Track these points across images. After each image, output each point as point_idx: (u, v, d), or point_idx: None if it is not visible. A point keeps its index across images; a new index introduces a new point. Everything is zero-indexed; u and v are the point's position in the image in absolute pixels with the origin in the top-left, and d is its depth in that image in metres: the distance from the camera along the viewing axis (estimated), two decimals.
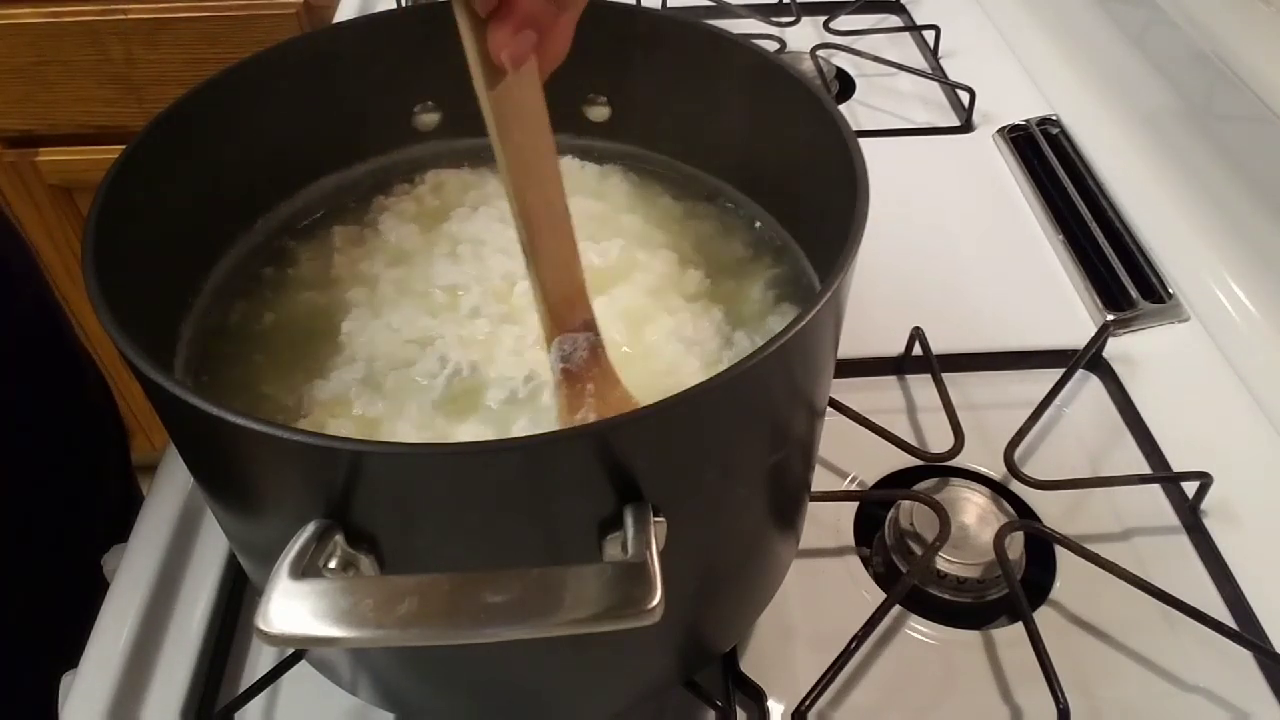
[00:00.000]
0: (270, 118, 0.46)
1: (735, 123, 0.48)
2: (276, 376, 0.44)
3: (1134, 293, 0.67)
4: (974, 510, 0.53)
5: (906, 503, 0.53)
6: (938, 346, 0.62)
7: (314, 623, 0.27)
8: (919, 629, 0.51)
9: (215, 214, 0.47)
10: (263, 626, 0.27)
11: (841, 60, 0.89)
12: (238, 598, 0.52)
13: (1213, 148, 0.68)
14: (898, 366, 0.63)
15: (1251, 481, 0.56)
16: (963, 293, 0.68)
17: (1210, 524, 0.54)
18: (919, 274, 0.69)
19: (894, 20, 0.97)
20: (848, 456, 0.57)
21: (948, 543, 0.51)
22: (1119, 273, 0.68)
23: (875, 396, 0.61)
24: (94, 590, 0.53)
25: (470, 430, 0.41)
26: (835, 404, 0.57)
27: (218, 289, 0.47)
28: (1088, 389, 0.63)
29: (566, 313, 0.39)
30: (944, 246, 0.72)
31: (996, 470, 0.57)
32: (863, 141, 0.38)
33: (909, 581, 0.50)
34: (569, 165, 0.53)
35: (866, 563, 0.53)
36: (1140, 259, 0.69)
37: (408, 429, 0.41)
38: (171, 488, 0.55)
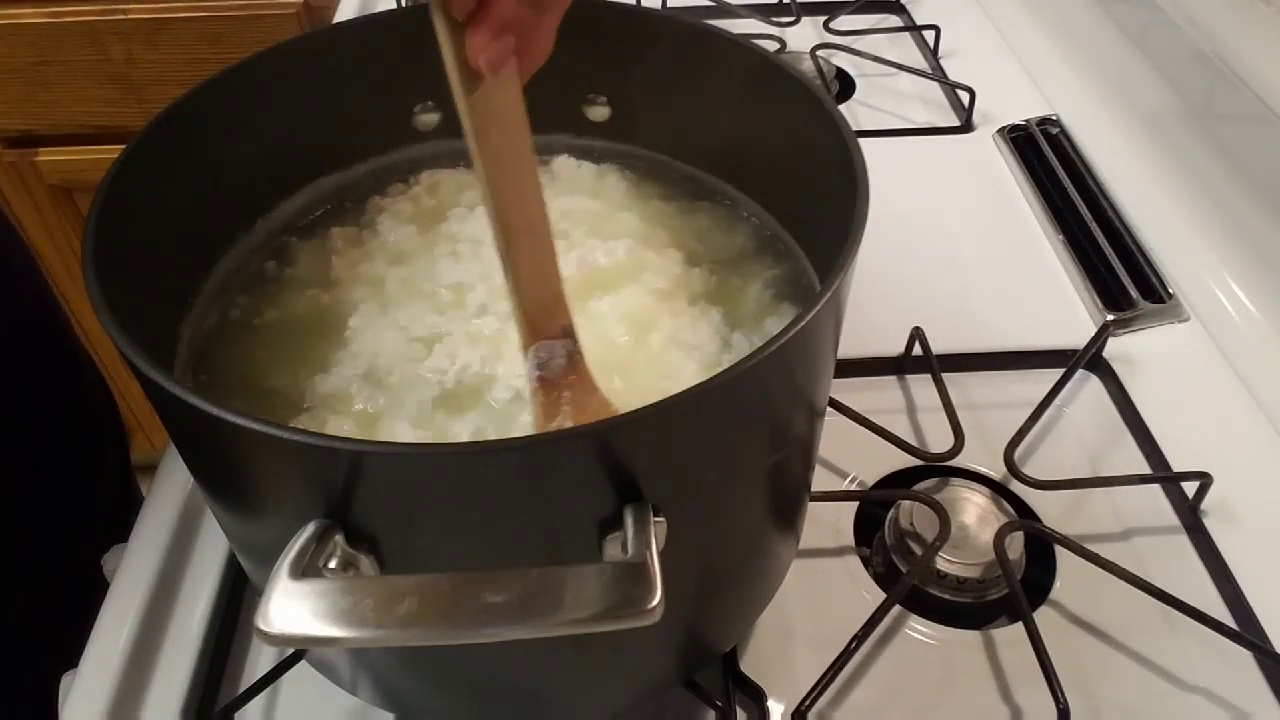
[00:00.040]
0: (270, 118, 0.46)
1: (735, 123, 0.48)
2: (278, 373, 0.45)
3: (1134, 293, 0.67)
4: (974, 510, 0.53)
5: (906, 503, 0.53)
6: (938, 346, 0.62)
7: (314, 623, 0.27)
8: (919, 629, 0.51)
9: (215, 214, 0.47)
10: (263, 626, 0.27)
11: (841, 60, 0.89)
12: (238, 598, 0.52)
13: (1213, 148, 0.68)
14: (898, 366, 0.63)
15: (1251, 481, 0.56)
16: (963, 293, 0.68)
17: (1210, 524, 0.54)
18: (919, 274, 0.69)
19: (894, 20, 0.97)
20: (848, 456, 0.57)
21: (948, 543, 0.51)
22: (1119, 273, 0.68)
23: (875, 396, 0.61)
24: (94, 590, 0.53)
25: (471, 424, 0.41)
26: (835, 404, 0.57)
27: (218, 289, 0.47)
28: (1088, 389, 0.63)
29: (544, 320, 0.38)
30: (944, 246, 0.72)
31: (996, 470, 0.57)
32: (863, 141, 0.38)
33: (909, 581, 0.50)
34: (566, 164, 0.53)
35: (866, 563, 0.53)
36: (1140, 259, 0.69)
37: (407, 426, 0.41)
38: (171, 488, 0.55)
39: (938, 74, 0.89)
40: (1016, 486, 0.56)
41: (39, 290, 0.76)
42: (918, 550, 0.51)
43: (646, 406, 0.29)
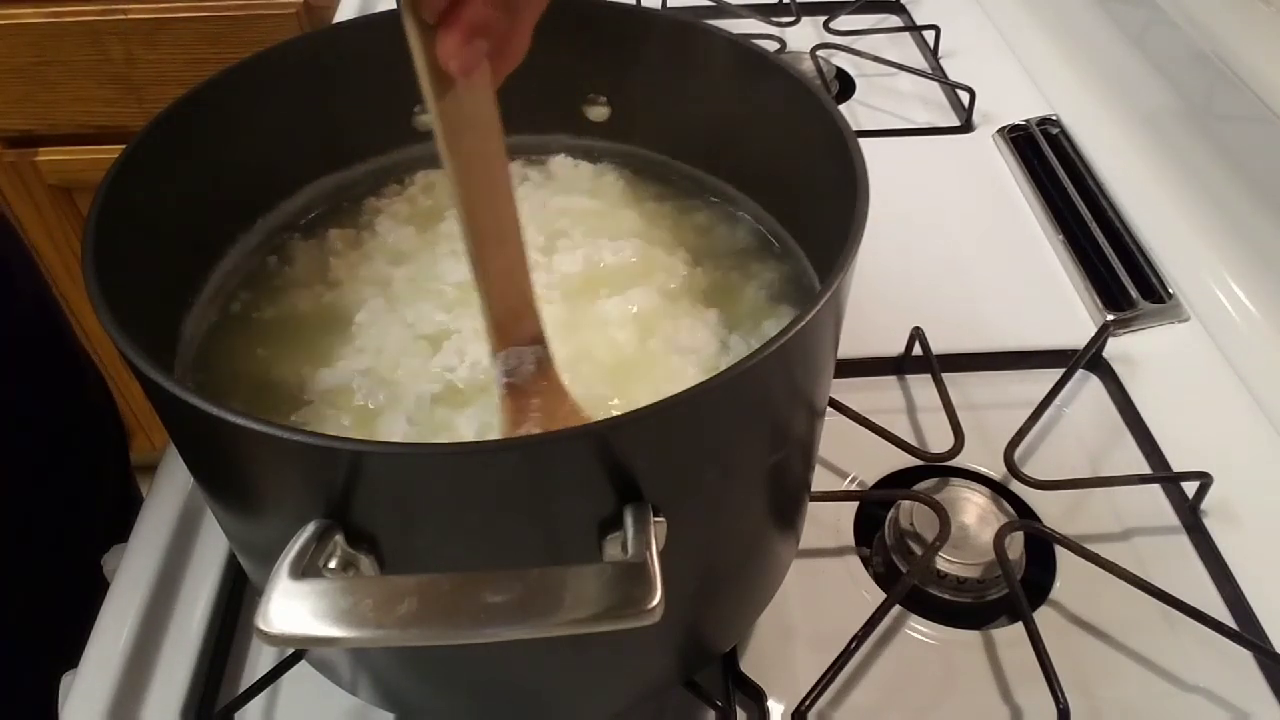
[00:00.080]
0: (270, 117, 0.46)
1: (735, 123, 0.48)
2: (281, 366, 0.45)
3: (1134, 293, 0.67)
4: (974, 510, 0.53)
5: (906, 503, 0.53)
6: (938, 346, 0.62)
7: (314, 623, 0.27)
8: (919, 629, 0.51)
9: (215, 214, 0.47)
10: (263, 626, 0.27)
11: (841, 60, 0.89)
12: (238, 598, 0.52)
13: (1213, 148, 0.68)
14: (898, 366, 0.63)
15: (1251, 481, 0.56)
16: (963, 293, 0.68)
17: (1210, 524, 0.54)
18: (919, 274, 0.69)
19: (894, 20, 0.97)
20: (848, 456, 0.57)
21: (948, 543, 0.51)
22: (1119, 273, 0.68)
23: (875, 396, 0.61)
24: (94, 590, 0.53)
25: (474, 420, 0.41)
26: (835, 404, 0.57)
27: (218, 289, 0.47)
28: (1088, 389, 0.63)
29: (513, 326, 0.38)
30: (944, 246, 0.72)
31: (996, 470, 0.57)
32: (863, 141, 0.38)
33: (909, 581, 0.50)
34: (563, 164, 0.53)
35: (866, 563, 0.53)
36: (1140, 259, 0.69)
37: (404, 423, 0.41)
38: (171, 488, 0.55)
39: (938, 74, 0.89)
40: (1016, 486, 0.56)
41: (39, 290, 0.77)
42: (918, 550, 0.51)
43: (646, 406, 0.29)
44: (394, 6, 0.34)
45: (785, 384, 0.35)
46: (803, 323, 0.31)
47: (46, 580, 0.72)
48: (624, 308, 0.46)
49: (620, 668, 0.41)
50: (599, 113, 0.52)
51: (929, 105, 0.86)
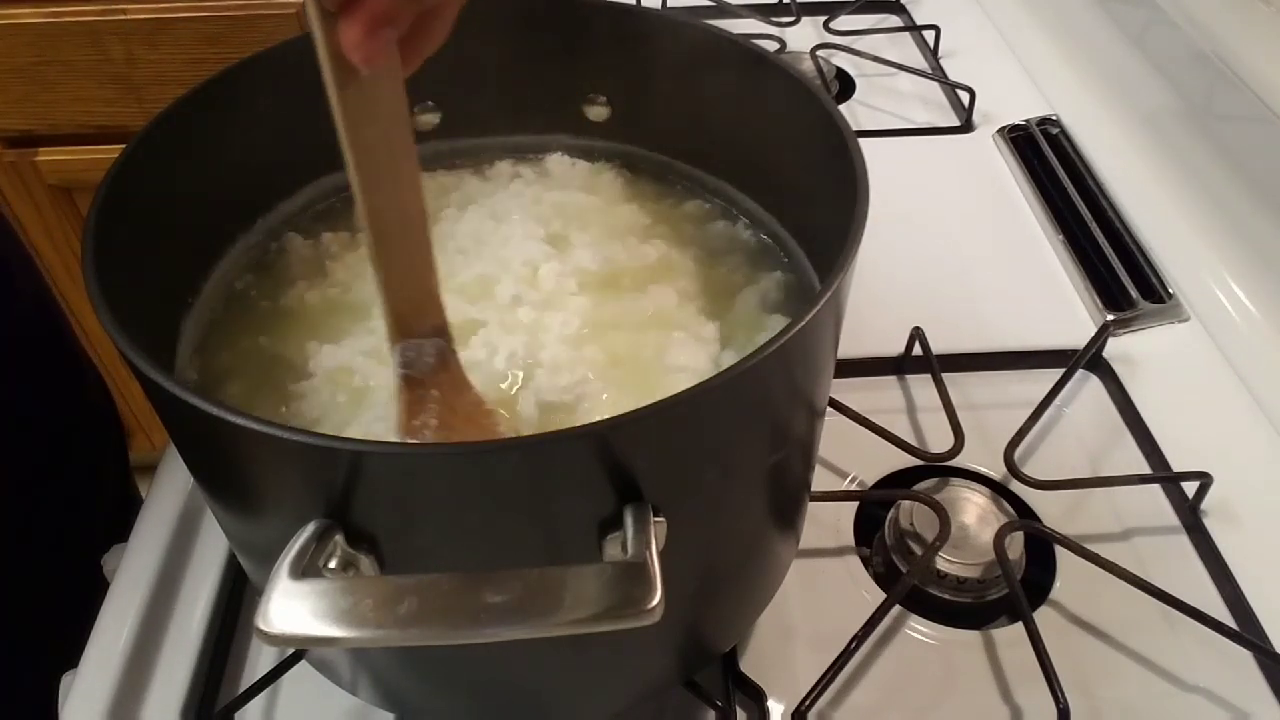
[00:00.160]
0: (270, 117, 0.46)
1: (734, 123, 0.48)
2: (285, 344, 0.45)
3: (1134, 293, 0.67)
4: (974, 510, 0.53)
5: (906, 503, 0.53)
6: (938, 346, 0.62)
7: (314, 623, 0.27)
8: (919, 629, 0.51)
9: (215, 214, 0.47)
10: (263, 626, 0.27)
11: (841, 60, 0.89)
12: (238, 598, 0.52)
13: (1213, 148, 0.68)
14: (898, 366, 0.63)
15: (1251, 481, 0.56)
16: (963, 293, 0.68)
17: (1210, 524, 0.54)
18: (919, 274, 0.69)
19: (894, 20, 0.97)
20: (848, 456, 0.57)
21: (948, 543, 0.51)
22: (1119, 273, 0.68)
23: (875, 396, 0.61)
24: (94, 590, 0.53)
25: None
26: (835, 404, 0.57)
27: (218, 289, 0.47)
28: (1088, 389, 0.63)
29: (412, 318, 0.38)
30: (944, 246, 0.72)
31: (996, 470, 0.57)
32: (863, 141, 0.38)
33: (909, 581, 0.50)
34: (560, 162, 0.53)
35: (866, 563, 0.53)
36: (1140, 259, 0.69)
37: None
38: (171, 488, 0.55)
39: (938, 74, 0.89)
40: (1016, 486, 0.56)
41: (39, 290, 0.76)
42: (918, 550, 0.51)
43: (646, 406, 0.29)
44: None
45: (785, 384, 0.35)
46: (803, 323, 0.31)
47: (46, 580, 0.71)
48: (620, 307, 0.46)
49: (620, 668, 0.41)
50: (598, 113, 0.52)
51: (929, 105, 0.86)
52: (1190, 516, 0.55)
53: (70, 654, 0.49)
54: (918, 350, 0.62)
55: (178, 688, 0.47)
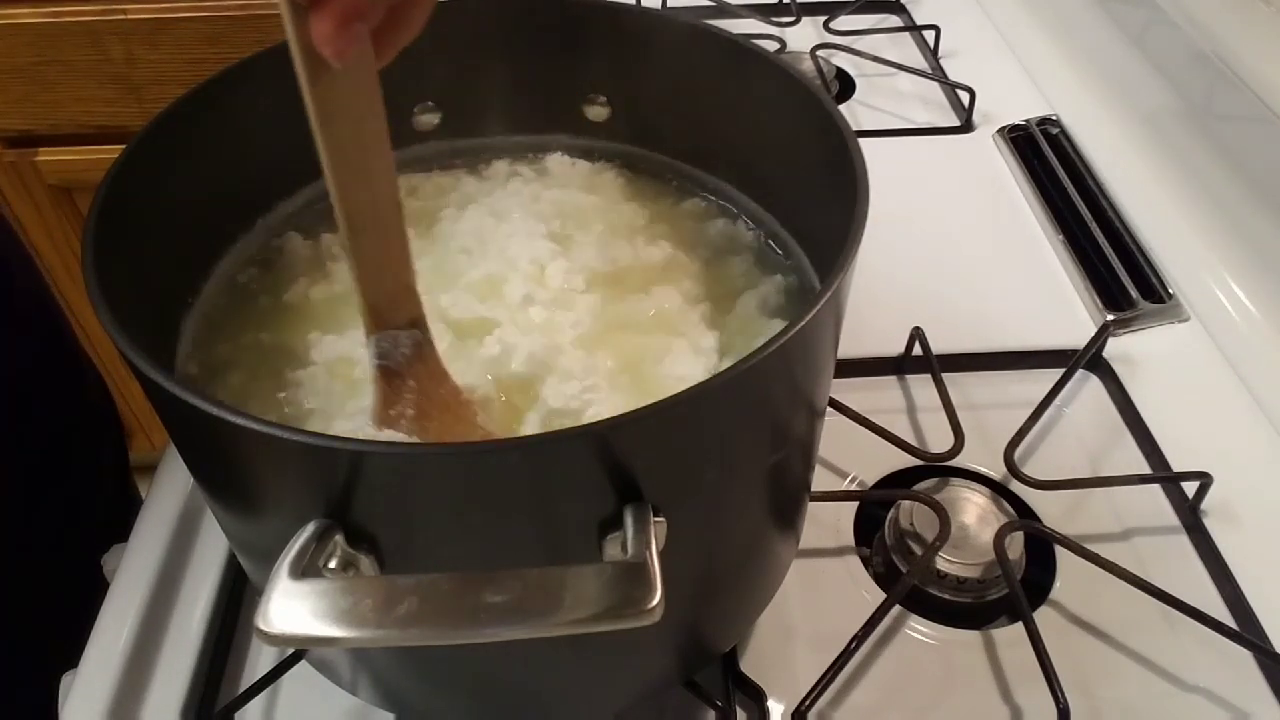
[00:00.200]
0: (270, 117, 0.46)
1: (734, 122, 0.48)
2: (287, 333, 0.45)
3: (1134, 293, 0.67)
4: (974, 510, 0.53)
5: (906, 503, 0.53)
6: (938, 346, 0.62)
7: (314, 623, 0.27)
8: (919, 629, 0.51)
9: (215, 214, 0.47)
10: (263, 626, 0.27)
11: (841, 60, 0.89)
12: (238, 598, 0.52)
13: (1213, 148, 0.68)
14: (898, 366, 0.63)
15: (1251, 481, 0.56)
16: (963, 293, 0.68)
17: (1210, 524, 0.54)
18: (919, 274, 0.69)
19: (894, 20, 0.97)
20: (848, 456, 0.57)
21: (948, 543, 0.51)
22: (1119, 273, 0.68)
23: (875, 396, 0.61)
24: (94, 590, 0.53)
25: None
26: (835, 404, 0.57)
27: (218, 288, 0.47)
28: (1088, 389, 0.63)
29: (388, 310, 0.38)
30: (944, 246, 0.72)
31: (996, 470, 0.57)
32: (863, 141, 0.38)
33: (909, 581, 0.50)
34: (560, 162, 0.53)
35: (866, 563, 0.53)
36: (1140, 259, 0.69)
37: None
38: (171, 488, 0.55)
39: (938, 74, 0.89)
40: (1016, 486, 0.56)
41: (39, 290, 0.76)
42: (918, 550, 0.51)
43: (646, 406, 0.29)
44: None
45: (785, 384, 0.35)
46: (803, 322, 0.31)
47: (46, 580, 0.71)
48: (617, 306, 0.46)
49: (620, 668, 0.41)
50: (598, 113, 0.52)
51: (929, 105, 0.86)
52: (1190, 516, 0.55)
53: (70, 654, 0.49)
54: (918, 350, 0.62)
55: (178, 688, 0.47)
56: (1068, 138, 0.80)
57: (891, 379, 0.63)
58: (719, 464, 0.34)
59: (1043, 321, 0.66)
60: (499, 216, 0.50)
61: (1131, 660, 0.49)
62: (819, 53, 0.87)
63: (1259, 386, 0.61)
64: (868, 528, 0.55)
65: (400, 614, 0.27)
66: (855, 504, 0.56)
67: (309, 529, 0.29)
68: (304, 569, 0.28)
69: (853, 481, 0.57)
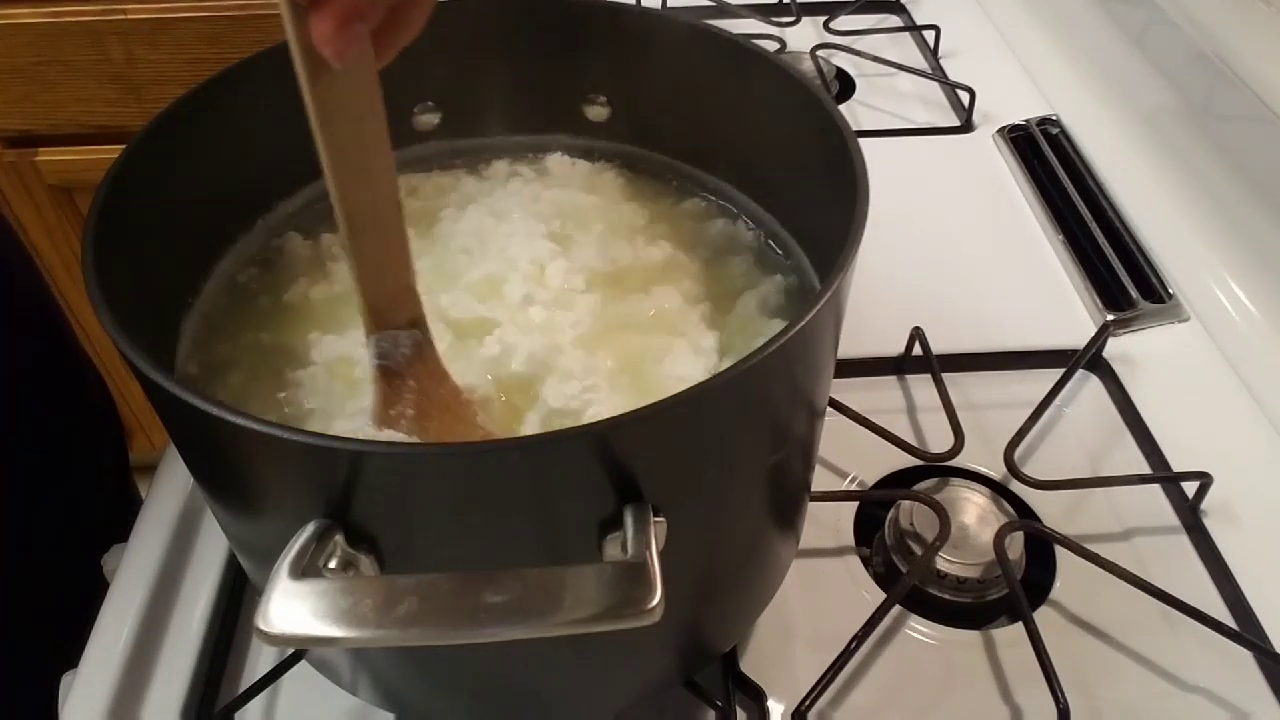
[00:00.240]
0: (270, 118, 0.46)
1: (734, 122, 0.48)
2: (287, 333, 0.45)
3: (1134, 293, 0.67)
4: (974, 510, 0.53)
5: (906, 503, 0.53)
6: (938, 346, 0.62)
7: (314, 623, 0.27)
8: (919, 629, 0.51)
9: (215, 214, 0.47)
10: (263, 626, 0.27)
11: (841, 60, 0.89)
12: (238, 598, 0.52)
13: (1213, 148, 0.68)
14: (898, 366, 0.63)
15: (1251, 481, 0.56)
16: (963, 293, 0.68)
17: (1210, 524, 0.54)
18: (919, 274, 0.69)
19: (894, 20, 0.97)
20: (848, 456, 0.57)
21: (948, 543, 0.51)
22: (1119, 273, 0.68)
23: (875, 396, 0.61)
24: (94, 590, 0.53)
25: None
26: (835, 404, 0.57)
27: (218, 288, 0.47)
28: (1088, 389, 0.63)
29: (388, 310, 0.38)
30: (944, 246, 0.72)
31: (996, 470, 0.57)
32: (863, 141, 0.38)
33: (909, 581, 0.50)
34: (560, 162, 0.53)
35: (866, 563, 0.53)
36: (1140, 259, 0.69)
37: None
38: (171, 488, 0.55)
39: (938, 74, 0.89)
40: (1016, 486, 0.56)
41: (39, 290, 0.76)
42: (918, 550, 0.51)
43: (646, 406, 0.29)
44: None
45: (785, 384, 0.35)
46: (803, 323, 0.31)
47: (46, 580, 0.72)
48: (616, 306, 0.46)
49: (620, 668, 0.41)
50: (598, 113, 0.52)
51: (929, 105, 0.86)
52: (1190, 516, 0.55)
53: (70, 654, 0.49)
54: (918, 350, 0.62)
55: (178, 688, 0.47)
56: (1068, 138, 0.80)
57: (891, 379, 0.63)
58: (719, 464, 0.34)
59: (1043, 321, 0.66)
60: (499, 216, 0.50)
61: (1131, 660, 0.49)
62: (819, 53, 0.87)
63: (1259, 386, 0.61)
64: (868, 528, 0.55)
65: (400, 614, 0.27)
66: (855, 504, 0.56)
67: (309, 529, 0.29)
68: (304, 569, 0.28)
69: (853, 481, 0.57)
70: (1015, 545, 0.51)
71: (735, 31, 0.45)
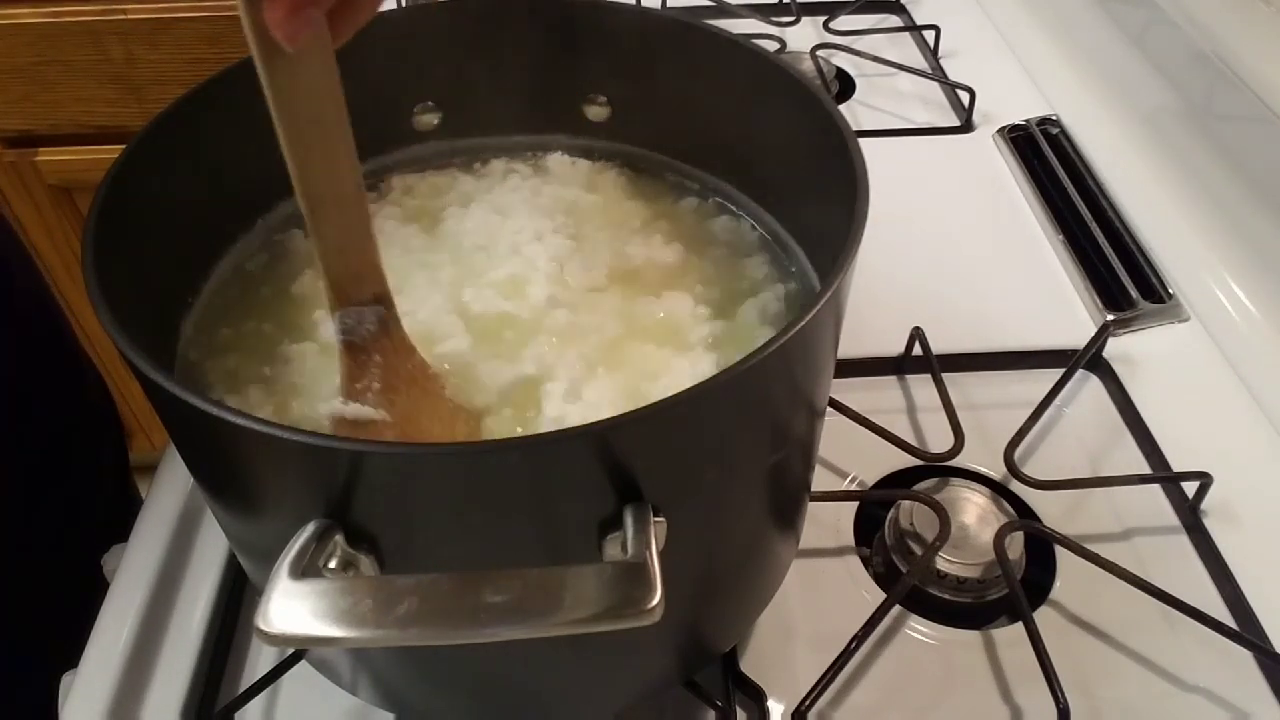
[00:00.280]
0: (270, 117, 0.46)
1: (735, 123, 0.48)
2: (292, 310, 0.46)
3: (1134, 293, 0.67)
4: (974, 510, 0.53)
5: (906, 503, 0.53)
6: (938, 346, 0.62)
7: (314, 623, 0.27)
8: (919, 629, 0.51)
9: (215, 214, 0.47)
10: (263, 626, 0.27)
11: (841, 60, 0.89)
12: (238, 598, 0.52)
13: (1213, 148, 0.68)
14: (898, 366, 0.63)
15: (1251, 481, 0.56)
16: (963, 293, 0.68)
17: (1210, 524, 0.54)
18: (919, 274, 0.69)
19: (894, 20, 0.97)
20: (848, 456, 0.57)
21: (948, 543, 0.51)
22: (1119, 273, 0.68)
23: (875, 396, 0.61)
24: (94, 590, 0.53)
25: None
26: (835, 404, 0.57)
27: (218, 288, 0.47)
28: (1088, 389, 0.63)
29: (351, 287, 0.39)
30: (944, 246, 0.72)
31: (996, 470, 0.57)
32: (863, 141, 0.38)
33: (909, 581, 0.50)
34: (560, 162, 0.53)
35: (866, 563, 0.53)
36: (1140, 259, 0.69)
37: None
38: (171, 488, 0.55)
39: (938, 74, 0.89)
40: (1016, 486, 0.56)
41: (39, 290, 0.77)
42: (918, 550, 0.51)
43: (646, 406, 0.29)
44: (394, 6, 0.34)
45: (785, 384, 0.35)
46: (803, 322, 0.31)
47: (46, 580, 0.72)
48: (614, 306, 0.46)
49: (620, 668, 0.41)
50: (598, 112, 0.52)
51: (929, 105, 0.86)
52: (1190, 516, 0.55)
53: (70, 654, 0.49)
54: (918, 350, 0.62)
55: (178, 688, 0.47)
56: (1068, 138, 0.80)
57: (891, 379, 0.63)
58: (719, 464, 0.34)
59: (1043, 321, 0.66)
60: (504, 213, 0.50)
61: (1131, 660, 0.49)
62: (819, 53, 0.87)
63: (1259, 386, 0.61)
64: (868, 528, 0.55)
65: (400, 614, 0.27)
66: (855, 504, 0.56)
67: (309, 529, 0.29)
68: (304, 569, 0.28)
69: (853, 481, 0.57)
70: (1015, 545, 0.51)
71: (735, 31, 0.45)
